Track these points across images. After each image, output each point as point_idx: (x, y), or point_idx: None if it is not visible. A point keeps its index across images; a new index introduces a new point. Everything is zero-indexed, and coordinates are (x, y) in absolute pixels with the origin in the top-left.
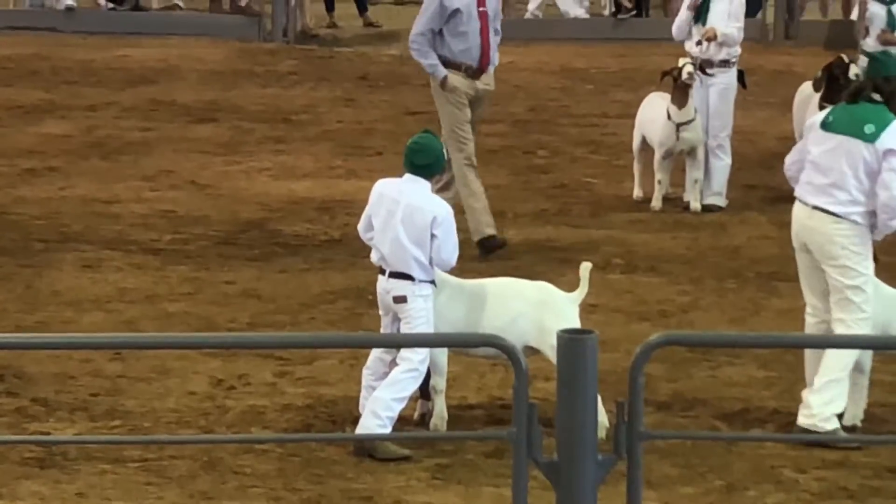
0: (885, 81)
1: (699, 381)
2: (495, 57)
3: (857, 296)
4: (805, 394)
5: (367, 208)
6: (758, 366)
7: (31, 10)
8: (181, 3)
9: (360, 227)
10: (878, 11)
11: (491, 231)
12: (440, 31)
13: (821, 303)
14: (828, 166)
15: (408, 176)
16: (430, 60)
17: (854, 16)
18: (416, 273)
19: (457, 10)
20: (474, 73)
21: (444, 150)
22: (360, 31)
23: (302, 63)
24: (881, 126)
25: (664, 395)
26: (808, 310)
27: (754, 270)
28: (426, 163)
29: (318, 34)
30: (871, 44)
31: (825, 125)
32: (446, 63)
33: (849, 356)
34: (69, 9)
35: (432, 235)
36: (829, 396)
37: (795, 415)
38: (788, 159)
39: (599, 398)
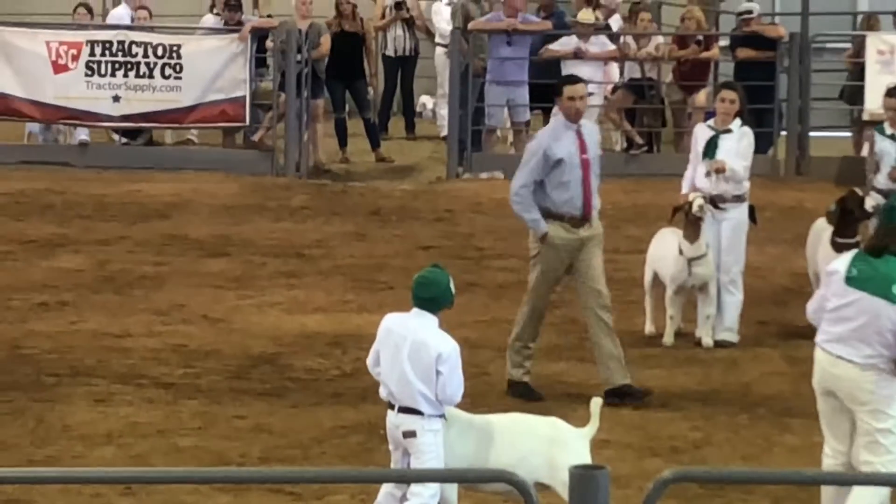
0: None
1: None
2: (597, 201)
3: (887, 438)
4: None
5: (376, 343)
6: (770, 503)
7: (44, 146)
8: (195, 139)
9: (369, 361)
10: (887, 148)
11: (526, 379)
12: (541, 183)
13: (842, 445)
14: (850, 318)
15: (415, 311)
16: (532, 215)
17: (864, 152)
18: (424, 408)
19: (560, 161)
20: (577, 222)
21: (451, 285)
22: (373, 166)
23: (314, 198)
24: None
25: None
26: (828, 451)
27: (766, 406)
28: (432, 296)
29: (330, 169)
30: (881, 181)
31: (848, 280)
32: (548, 214)
33: (873, 498)
34: (83, 144)
35: (437, 371)
36: None
37: None
38: (811, 307)
39: None
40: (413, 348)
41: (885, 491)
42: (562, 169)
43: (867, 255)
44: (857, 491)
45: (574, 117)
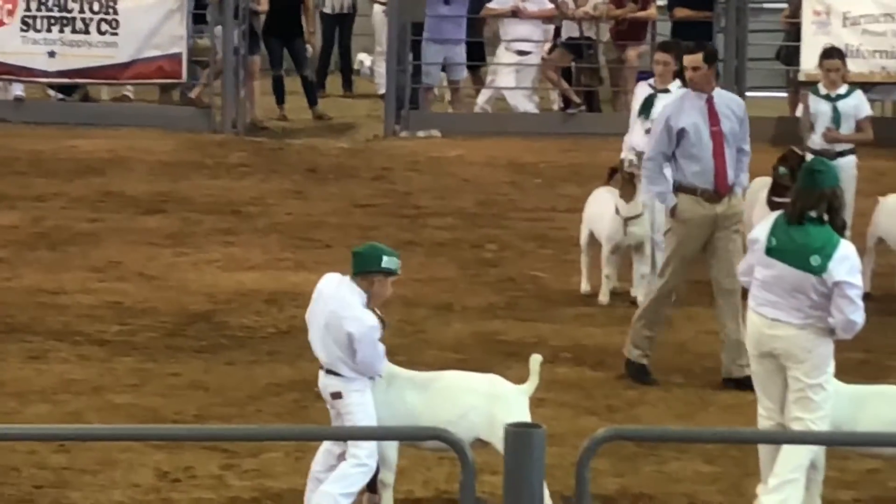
0: (833, 195)
1: (646, 477)
2: (743, 178)
3: (818, 394)
4: (759, 491)
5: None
6: (704, 461)
7: None
8: (131, 95)
9: (307, 317)
10: (822, 109)
11: (644, 362)
12: (673, 154)
13: (776, 405)
14: (778, 289)
15: (348, 279)
16: (658, 188)
17: (799, 112)
18: (344, 371)
19: (682, 130)
20: (711, 196)
21: (386, 258)
22: (310, 124)
23: (251, 155)
24: (827, 255)
25: (611, 489)
26: (762, 412)
27: (701, 366)
28: (360, 269)
29: (267, 126)
30: (816, 141)
31: (769, 250)
32: (680, 187)
33: (803, 456)
34: (18, 99)
35: (353, 349)
36: (783, 496)
37: None
38: (741, 270)
39: (547, 492)
40: (331, 318)
41: (816, 447)
42: (687, 139)
43: (786, 223)
44: (788, 447)
45: (690, 86)
